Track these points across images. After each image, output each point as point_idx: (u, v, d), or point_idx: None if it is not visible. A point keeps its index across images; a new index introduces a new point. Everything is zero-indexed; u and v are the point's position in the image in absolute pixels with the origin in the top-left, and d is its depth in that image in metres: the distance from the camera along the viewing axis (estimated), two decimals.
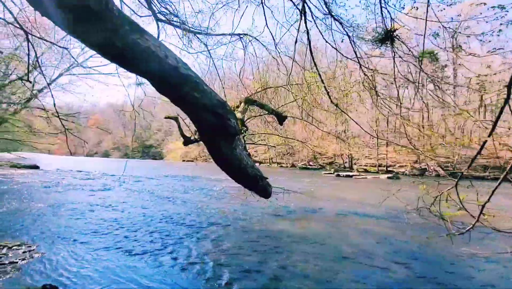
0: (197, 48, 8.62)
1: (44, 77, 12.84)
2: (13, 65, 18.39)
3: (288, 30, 5.19)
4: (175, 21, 7.96)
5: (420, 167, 30.16)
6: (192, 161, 58.31)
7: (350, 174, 27.23)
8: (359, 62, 3.54)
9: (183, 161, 58.45)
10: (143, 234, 4.85)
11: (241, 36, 8.34)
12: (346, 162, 38.14)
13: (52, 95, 18.35)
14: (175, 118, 5.36)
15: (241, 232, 5.26)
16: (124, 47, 1.25)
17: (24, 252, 3.64)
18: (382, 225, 5.96)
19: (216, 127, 1.68)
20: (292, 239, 4.90)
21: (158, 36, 7.47)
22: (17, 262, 3.32)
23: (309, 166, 42.96)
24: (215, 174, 19.04)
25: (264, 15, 5.17)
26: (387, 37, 2.80)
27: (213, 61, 8.60)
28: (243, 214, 6.81)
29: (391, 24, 2.84)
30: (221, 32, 8.49)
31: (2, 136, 17.29)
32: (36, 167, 17.93)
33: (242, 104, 4.84)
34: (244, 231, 5.37)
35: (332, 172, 29.04)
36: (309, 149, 44.98)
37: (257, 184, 2.23)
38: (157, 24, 7.81)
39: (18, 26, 5.78)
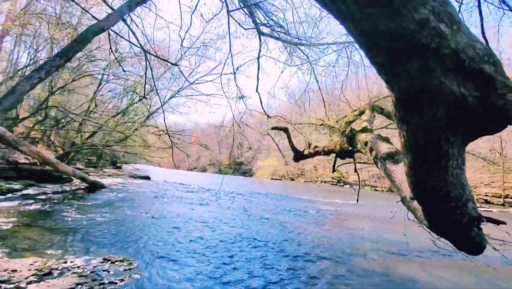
0: (297, 61, 8.05)
1: (159, 98, 14.42)
2: (139, 90, 21.82)
3: None
4: (276, 33, 7.62)
5: None
6: (280, 179, 58.44)
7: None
8: None
9: (272, 179, 59.09)
10: (238, 260, 4.25)
11: (347, 44, 7.34)
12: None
13: (164, 115, 20.67)
14: (285, 129, 4.76)
15: (356, 272, 4.10)
16: None
17: (124, 270, 3.39)
18: None
19: (467, 110, 0.78)
20: None
21: (260, 50, 7.16)
22: (116, 283, 3.03)
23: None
24: (307, 194, 17.97)
25: None
26: None
27: (314, 73, 7.81)
28: (354, 247, 5.58)
29: None
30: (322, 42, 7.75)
31: (126, 150, 20.20)
32: (147, 178, 20.29)
33: (367, 111, 3.84)
34: (362, 270, 4.19)
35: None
36: None
37: (471, 230, 1.21)
38: (260, 38, 7.51)
39: (138, 46, 6.29)
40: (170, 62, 5.89)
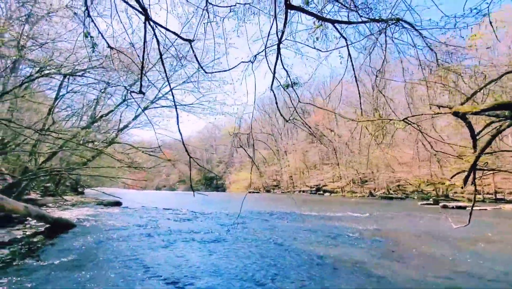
0: (330, 45, 6.40)
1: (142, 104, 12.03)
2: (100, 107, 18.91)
3: None
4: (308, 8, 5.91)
5: None
6: (258, 192, 56.59)
7: (462, 204, 21.81)
8: None
9: (249, 192, 57.01)
10: None
11: (391, 23, 5.85)
12: (435, 190, 32.15)
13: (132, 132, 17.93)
14: None
15: None
16: None
17: None
18: None
19: None
20: None
21: (284, 26, 5.35)
22: None
23: (390, 195, 37.64)
24: (310, 209, 14.72)
25: None
26: None
27: (351, 59, 6.15)
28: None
29: None
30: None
31: (91, 174, 17.16)
32: (119, 204, 17.35)
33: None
34: None
35: (432, 203, 24.05)
36: (386, 176, 39.80)
37: None
38: (286, 13, 5.70)
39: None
40: (183, 38, 3.98)
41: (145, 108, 15.83)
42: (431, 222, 11.19)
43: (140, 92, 4.41)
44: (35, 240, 6.30)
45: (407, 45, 5.73)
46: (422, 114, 4.45)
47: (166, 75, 4.12)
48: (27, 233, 6.85)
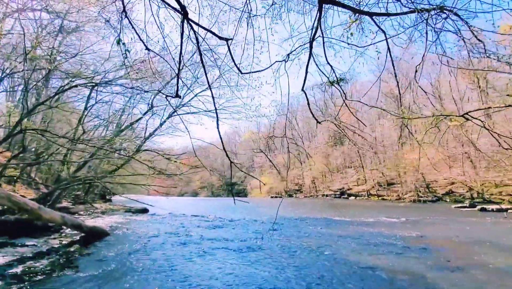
0: (366, 40, 5.98)
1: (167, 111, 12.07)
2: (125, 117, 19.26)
3: None
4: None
5: None
6: (280, 196, 55.86)
7: (503, 206, 20.27)
8: None
9: (271, 197, 56.51)
10: None
11: (434, 12, 5.37)
12: (469, 191, 30.23)
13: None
14: None
15: None
16: None
17: None
18: None
19: None
20: None
21: (319, 22, 5.02)
22: None
23: (420, 198, 35.86)
24: (339, 214, 13.84)
25: None
26: None
27: (389, 52, 5.69)
28: None
29: None
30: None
31: (119, 182, 17.43)
32: (146, 211, 17.48)
33: None
34: None
35: (468, 206, 22.54)
36: (414, 178, 37.99)
37: None
38: (320, 8, 5.35)
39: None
40: (220, 37, 3.76)
41: (171, 114, 15.89)
42: (477, 227, 10.33)
43: (177, 95, 4.21)
44: (72, 249, 6.26)
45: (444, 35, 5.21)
46: (489, 108, 3.96)
47: (206, 76, 3.90)
48: (63, 243, 6.84)
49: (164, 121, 16.17)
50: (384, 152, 43.78)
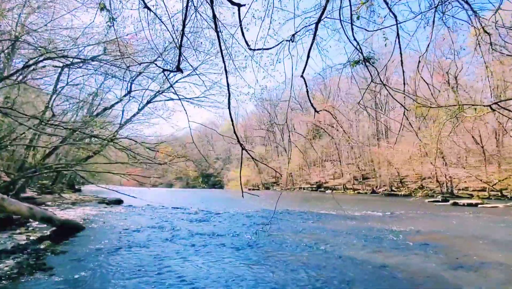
0: (374, 25, 5.59)
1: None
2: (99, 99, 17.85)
3: None
4: None
5: None
6: (258, 189, 55.85)
7: (473, 201, 21.21)
8: None
9: (249, 189, 56.19)
10: None
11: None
12: (439, 186, 31.67)
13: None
14: None
15: None
16: None
17: None
18: None
19: None
20: None
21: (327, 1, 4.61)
22: None
23: (393, 192, 37.09)
24: (324, 207, 13.10)
25: None
26: None
27: (398, 38, 5.36)
28: None
29: None
30: None
31: (91, 170, 16.23)
32: (120, 202, 16.46)
33: None
34: None
35: (440, 200, 23.49)
36: (387, 172, 39.26)
37: None
38: None
39: None
40: (232, 2, 3.19)
41: (151, 100, 14.87)
42: (466, 222, 10.48)
43: (178, 69, 3.56)
44: (42, 246, 5.42)
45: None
46: None
47: (222, 54, 3.26)
48: (31, 238, 5.95)
49: (143, 107, 15.14)
50: (360, 146, 44.80)
